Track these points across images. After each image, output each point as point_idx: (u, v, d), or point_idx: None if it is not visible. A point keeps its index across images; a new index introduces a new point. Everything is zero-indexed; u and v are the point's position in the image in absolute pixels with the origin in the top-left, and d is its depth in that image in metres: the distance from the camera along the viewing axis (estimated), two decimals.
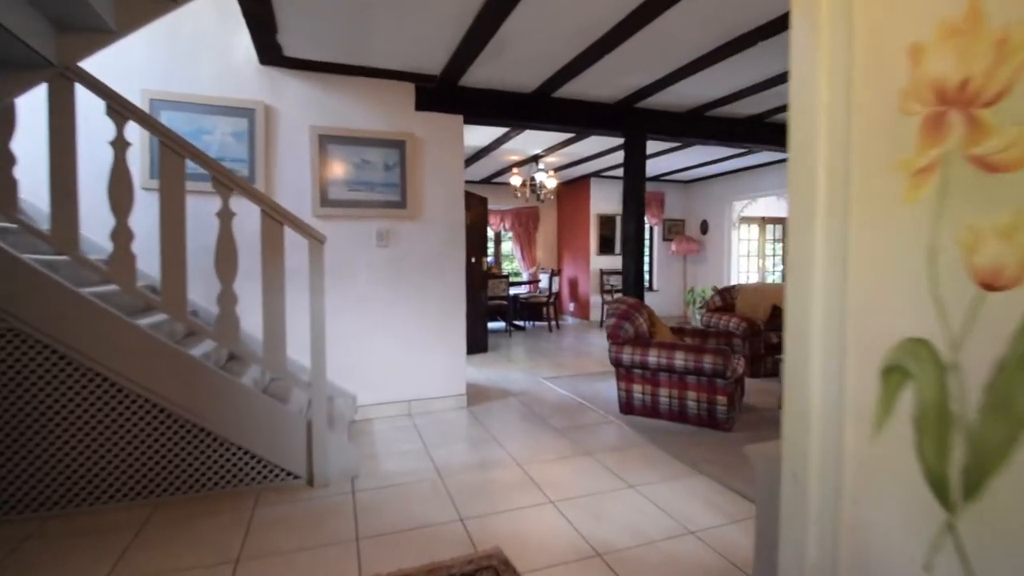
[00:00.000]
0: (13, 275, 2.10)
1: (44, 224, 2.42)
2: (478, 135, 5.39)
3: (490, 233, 8.72)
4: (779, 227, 10.04)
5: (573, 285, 8.91)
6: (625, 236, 4.66)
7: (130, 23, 1.98)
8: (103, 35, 1.96)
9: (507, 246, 9.64)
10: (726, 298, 5.55)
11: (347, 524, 2.25)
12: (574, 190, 8.66)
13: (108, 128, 2.32)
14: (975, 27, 0.57)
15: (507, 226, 9.05)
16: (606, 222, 8.42)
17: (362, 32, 3.00)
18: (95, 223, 2.92)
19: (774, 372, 4.87)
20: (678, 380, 3.55)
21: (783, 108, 4.59)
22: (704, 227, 8.72)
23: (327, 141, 3.57)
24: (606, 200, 8.41)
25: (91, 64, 2.26)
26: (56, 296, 2.16)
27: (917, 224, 0.65)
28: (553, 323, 7.97)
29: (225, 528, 2.21)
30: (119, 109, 2.29)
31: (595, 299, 8.42)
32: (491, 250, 9.00)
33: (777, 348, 4.90)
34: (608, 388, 4.47)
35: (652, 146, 5.91)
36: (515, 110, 4.09)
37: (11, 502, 2.22)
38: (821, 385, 0.80)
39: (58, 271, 2.30)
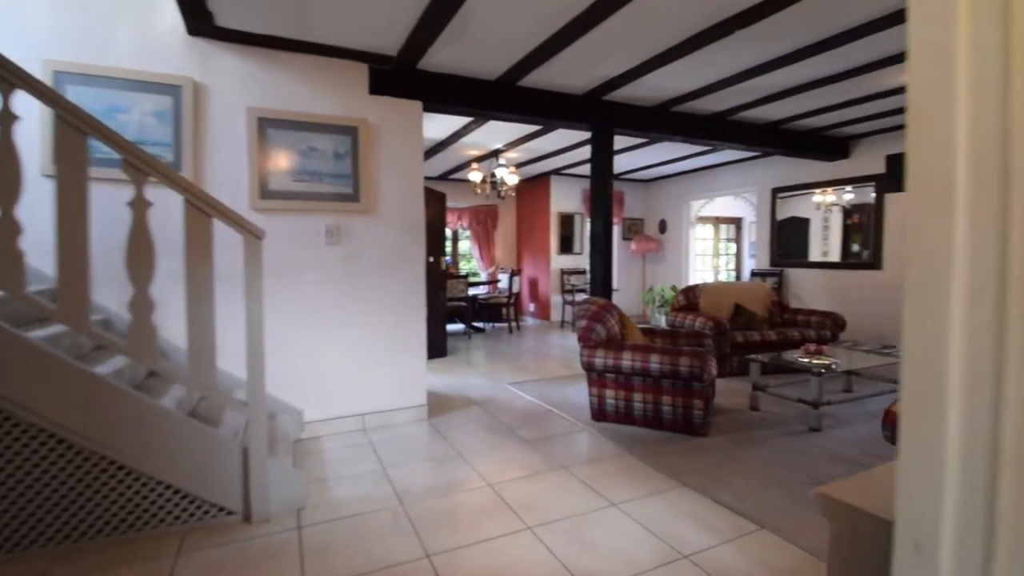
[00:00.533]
0: None
1: None
2: (436, 127, 5.07)
3: (447, 232, 8.39)
4: (732, 227, 10.22)
5: (533, 285, 8.71)
6: (593, 234, 4.48)
7: None
8: None
9: (464, 245, 9.33)
10: (690, 297, 5.47)
11: (291, 569, 1.91)
12: (534, 188, 8.46)
13: None
14: None
15: (465, 224, 8.74)
16: (566, 221, 8.26)
17: (309, 2, 2.64)
18: None
19: (740, 371, 4.81)
20: (653, 384, 3.37)
21: (748, 105, 4.53)
22: (663, 226, 8.72)
23: (268, 125, 3.18)
24: (566, 198, 8.26)
25: None
26: None
27: None
28: (513, 324, 7.74)
29: None
30: (3, 75, 1.86)
31: (556, 299, 8.24)
32: (448, 249, 8.65)
33: (743, 348, 4.84)
34: (577, 393, 4.27)
35: (614, 143, 5.76)
36: (478, 98, 3.81)
37: None
38: (962, 425, 0.58)
39: None
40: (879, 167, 5.66)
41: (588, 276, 8.36)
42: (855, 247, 6.09)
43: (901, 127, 5.30)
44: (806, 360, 3.64)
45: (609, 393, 3.50)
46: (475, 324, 7.87)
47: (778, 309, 5.51)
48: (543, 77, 3.77)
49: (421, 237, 3.63)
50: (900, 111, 4.76)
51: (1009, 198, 0.53)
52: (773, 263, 6.89)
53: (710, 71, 3.72)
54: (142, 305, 2.02)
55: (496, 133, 5.46)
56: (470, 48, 3.24)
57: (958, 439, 0.57)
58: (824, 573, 1.93)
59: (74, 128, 1.95)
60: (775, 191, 6.82)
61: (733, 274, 10.14)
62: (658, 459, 2.94)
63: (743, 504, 2.42)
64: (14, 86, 1.89)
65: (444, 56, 3.35)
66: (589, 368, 3.51)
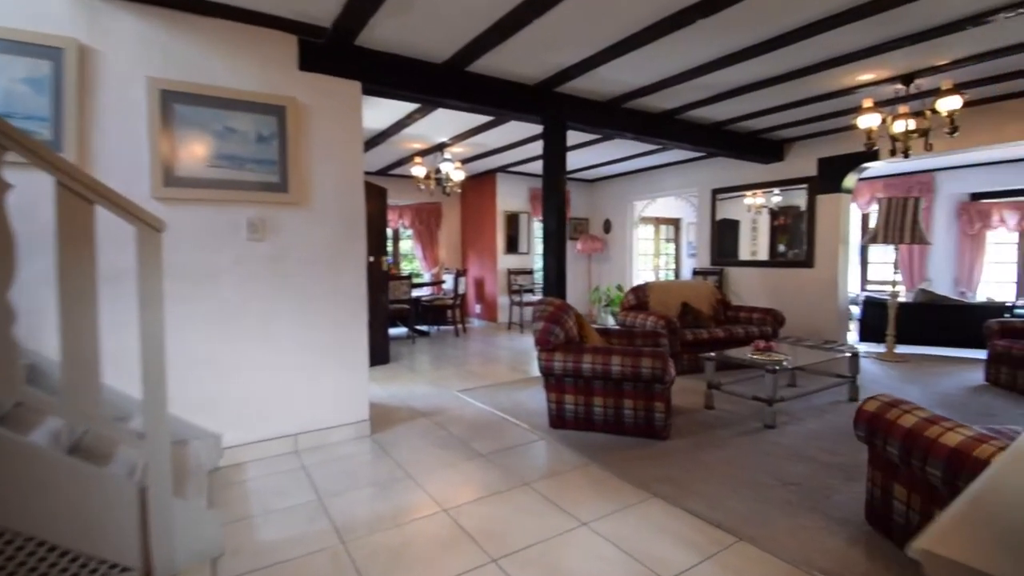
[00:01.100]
0: None
1: None
2: (376, 115, 4.69)
3: (387, 231, 7.94)
4: (671, 227, 10.44)
5: (479, 286, 8.43)
6: (546, 232, 4.28)
7: None
8: None
9: (406, 245, 8.90)
10: (640, 296, 5.41)
11: None
12: (479, 185, 8.18)
13: None
14: None
15: (407, 223, 8.32)
16: (512, 220, 8.05)
17: None
18: None
19: (691, 369, 4.78)
20: (614, 388, 3.21)
21: (696, 104, 4.51)
22: (607, 226, 8.72)
23: (174, 100, 2.71)
24: (513, 197, 8.05)
25: None
26: None
27: None
28: (459, 327, 7.43)
29: None
30: None
31: (503, 300, 8.01)
32: (389, 249, 8.20)
33: (693, 346, 4.82)
34: (530, 398, 4.05)
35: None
36: (424, 82, 3.50)
37: None
38: None
39: None
40: (811, 170, 5.87)
41: (536, 276, 8.22)
42: (781, 247, 6.36)
43: (832, 131, 5.51)
44: (759, 357, 3.61)
45: (568, 398, 3.30)
46: (419, 327, 7.49)
47: (722, 307, 5.56)
48: (495, 63, 3.52)
49: (361, 234, 3.27)
50: (832, 115, 4.92)
51: None
52: (714, 262, 7.02)
53: (665, 65, 3.62)
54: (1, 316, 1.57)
55: (441, 125, 5.15)
56: (416, 23, 2.93)
57: None
58: None
59: None
60: (715, 192, 6.95)
61: (672, 273, 10.35)
62: (623, 467, 2.77)
63: (716, 513, 2.29)
64: None
65: (387, 31, 3.03)
66: (547, 373, 3.29)
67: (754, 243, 6.64)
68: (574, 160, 7.02)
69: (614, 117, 4.49)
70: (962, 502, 0.82)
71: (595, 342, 3.62)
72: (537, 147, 5.94)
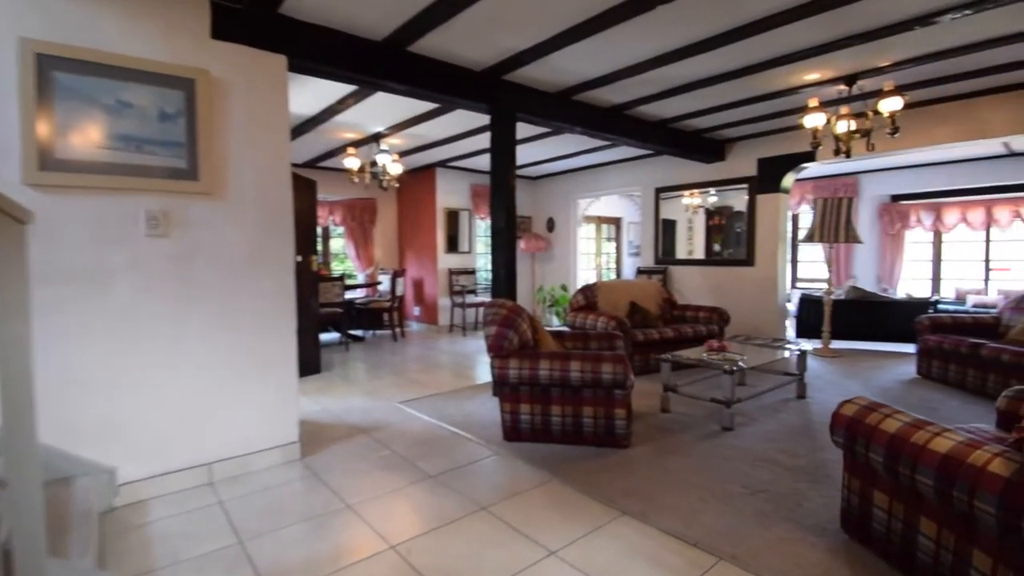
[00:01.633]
0: None
1: None
2: (303, 99, 4.23)
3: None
4: (613, 226, 10.50)
5: (419, 287, 8.03)
6: (494, 229, 4.02)
7: None
8: None
9: (337, 244, 8.34)
10: (589, 296, 5.28)
11: None
12: (418, 180, 7.78)
13: None
14: None
15: (337, 220, 7.78)
16: (453, 217, 7.72)
17: None
18: None
19: (642, 370, 4.69)
20: (572, 395, 3.00)
21: (646, 100, 4.42)
22: (551, 225, 8.59)
23: (54, 67, 2.21)
24: (454, 193, 7.72)
25: None
26: None
27: None
28: (398, 331, 7.02)
29: None
30: None
31: (443, 302, 7.67)
32: (319, 248, 7.63)
33: (644, 346, 4.74)
34: (480, 407, 3.78)
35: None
36: (360, 61, 3.14)
37: None
38: None
39: None
40: (752, 169, 5.99)
41: (478, 276, 7.94)
42: (716, 247, 6.51)
43: (773, 132, 5.64)
44: (715, 359, 3.54)
45: (524, 408, 3.06)
46: (353, 332, 7.01)
47: (668, 306, 5.55)
48: (440, 43, 3.21)
49: (288, 230, 2.86)
50: (773, 116, 5.01)
51: None
52: (658, 261, 7.05)
53: (620, 55, 3.47)
54: None
55: (378, 113, 4.75)
56: None
57: None
58: None
59: None
60: (658, 190, 6.98)
61: (614, 273, 10.42)
62: (587, 482, 2.57)
63: (691, 530, 2.13)
64: None
65: None
66: (502, 381, 3.04)
67: (690, 243, 6.77)
68: (518, 156, 6.80)
69: (565, 110, 4.31)
70: None
71: (550, 346, 3.40)
72: (481, 140, 5.69)
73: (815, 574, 1.83)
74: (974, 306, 6.87)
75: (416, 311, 8.10)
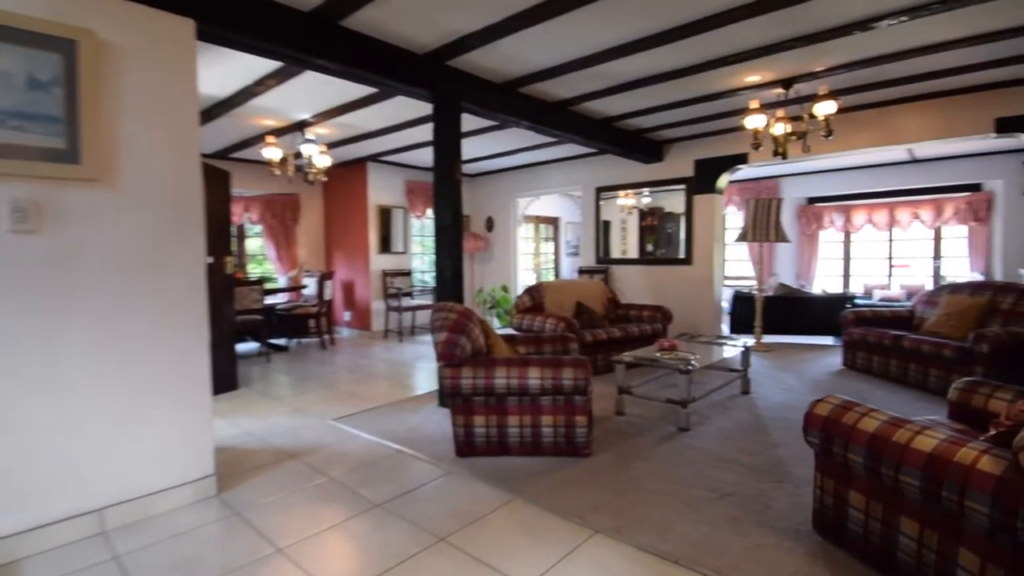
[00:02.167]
0: None
1: None
2: (215, 77, 3.71)
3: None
4: (551, 226, 10.46)
5: (349, 290, 7.51)
6: (439, 227, 3.73)
7: None
8: None
9: (255, 243, 7.64)
10: (535, 297, 5.12)
11: None
12: (347, 175, 7.27)
13: None
14: None
15: (255, 217, 7.10)
16: (385, 216, 7.29)
17: None
18: None
19: (593, 372, 4.57)
20: (531, 404, 2.80)
21: (592, 96, 4.33)
22: (490, 224, 8.36)
23: None
24: (386, 190, 7.29)
25: None
26: None
27: None
28: (326, 338, 6.50)
29: None
30: None
31: (377, 305, 7.22)
32: (233, 248, 6.91)
33: (593, 347, 4.63)
34: (426, 421, 3.48)
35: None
36: (285, 32, 2.75)
37: None
38: None
39: None
40: (689, 170, 6.10)
41: (414, 278, 7.56)
42: (650, 247, 6.61)
43: (709, 134, 5.76)
44: (669, 358, 3.48)
45: (479, 420, 2.82)
46: (274, 341, 6.40)
47: (613, 305, 5.51)
48: (377, 19, 2.89)
49: (197, 226, 2.43)
50: (711, 118, 5.10)
51: None
52: (599, 260, 7.03)
53: (570, 45, 3.32)
54: None
55: (303, 98, 4.30)
56: None
57: None
58: None
59: None
60: (599, 190, 6.97)
61: (552, 273, 10.38)
62: (553, 499, 2.37)
63: (667, 544, 2.00)
64: None
65: None
66: (453, 392, 2.77)
67: (624, 243, 6.83)
68: None
69: (511, 102, 4.11)
70: None
71: (504, 352, 3.18)
72: (418, 133, 5.36)
73: None
74: (880, 300, 7.46)
75: (347, 316, 7.58)
